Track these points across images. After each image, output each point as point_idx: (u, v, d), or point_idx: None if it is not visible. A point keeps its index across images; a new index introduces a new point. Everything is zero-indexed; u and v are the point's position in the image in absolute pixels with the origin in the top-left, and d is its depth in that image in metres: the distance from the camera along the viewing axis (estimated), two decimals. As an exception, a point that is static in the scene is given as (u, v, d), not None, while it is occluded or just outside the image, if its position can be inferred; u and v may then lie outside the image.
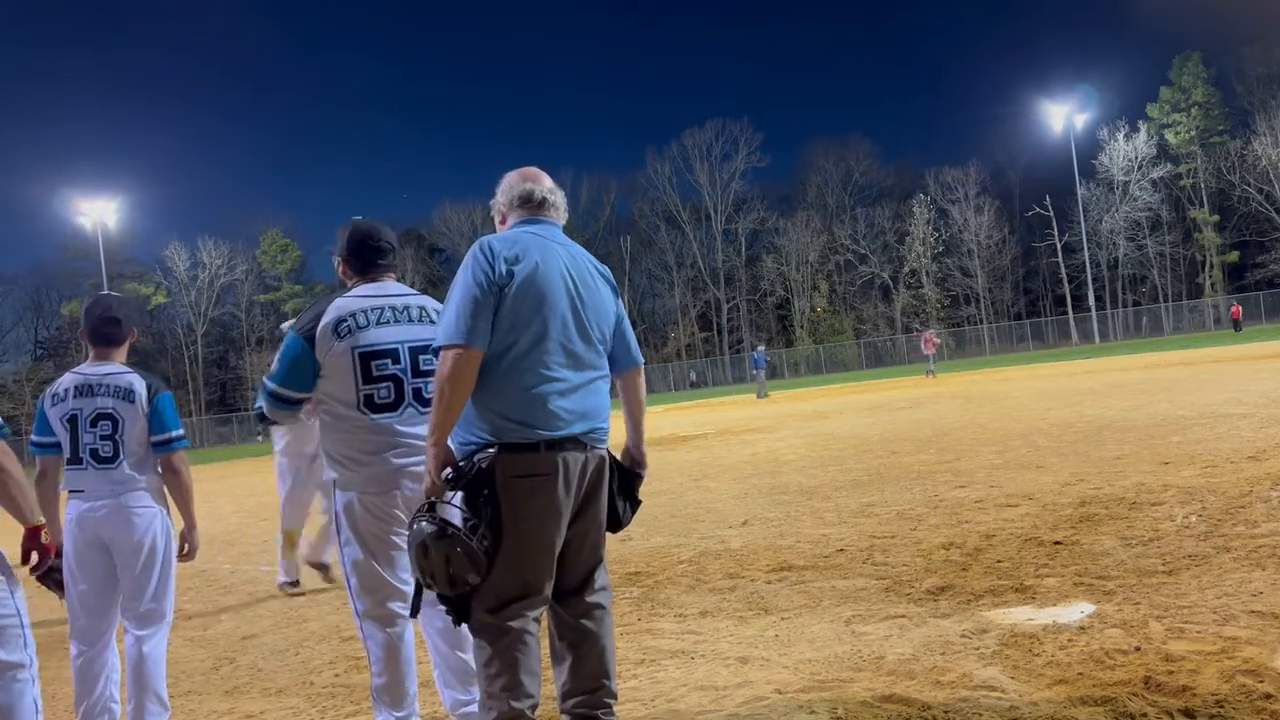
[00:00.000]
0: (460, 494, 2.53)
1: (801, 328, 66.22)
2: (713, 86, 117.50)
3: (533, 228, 2.75)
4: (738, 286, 68.39)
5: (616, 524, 2.81)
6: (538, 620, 2.62)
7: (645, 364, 3.01)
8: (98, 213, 52.69)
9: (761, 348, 36.78)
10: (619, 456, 2.88)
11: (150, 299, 64.70)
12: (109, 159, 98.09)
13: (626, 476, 2.83)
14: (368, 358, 2.97)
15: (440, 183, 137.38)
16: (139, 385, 3.51)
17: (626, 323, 2.91)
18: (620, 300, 2.90)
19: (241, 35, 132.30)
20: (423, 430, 2.96)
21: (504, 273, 2.54)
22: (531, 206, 2.81)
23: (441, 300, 3.00)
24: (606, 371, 2.78)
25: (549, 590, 2.63)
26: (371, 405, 2.97)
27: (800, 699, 3.12)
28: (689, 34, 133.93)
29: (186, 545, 3.61)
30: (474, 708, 3.01)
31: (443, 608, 2.62)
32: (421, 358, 3.06)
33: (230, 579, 7.30)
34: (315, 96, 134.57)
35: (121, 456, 3.43)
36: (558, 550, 2.61)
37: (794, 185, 71.44)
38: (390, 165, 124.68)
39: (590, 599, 2.71)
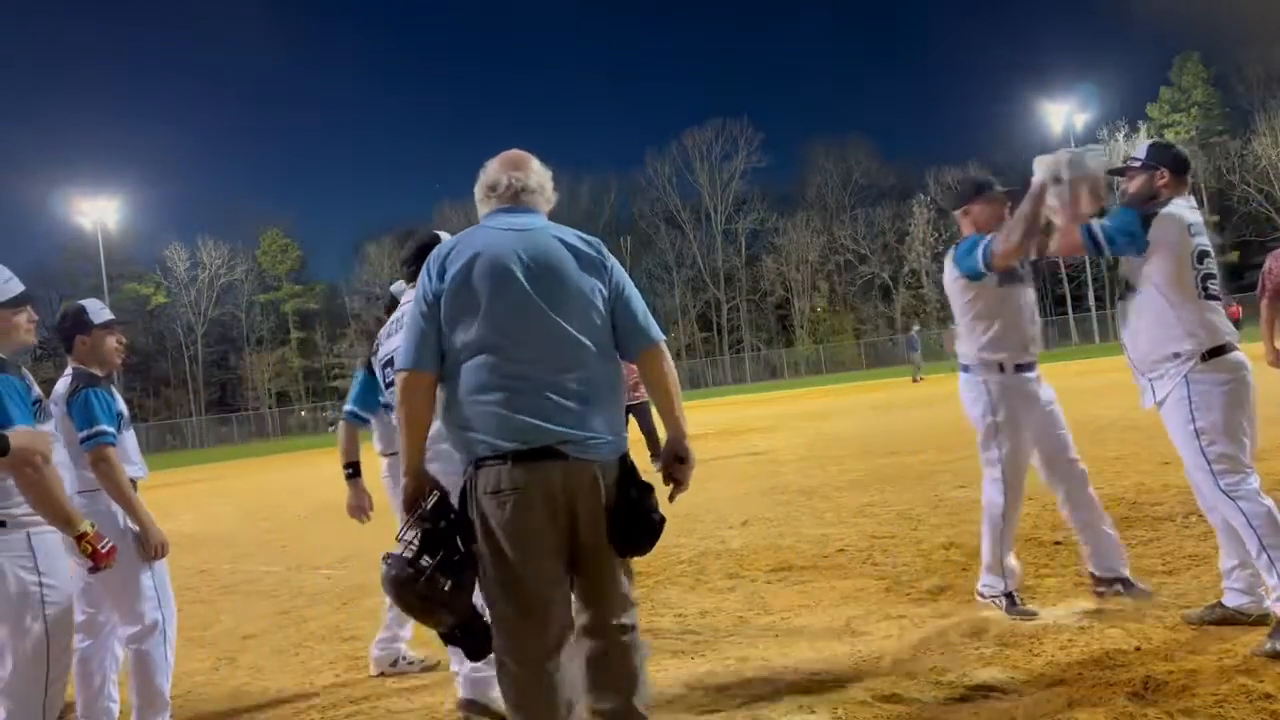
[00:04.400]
0: (416, 532, 2.35)
1: (801, 328, 66.18)
2: (713, 86, 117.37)
3: (492, 220, 2.51)
4: (738, 286, 68.29)
5: (621, 542, 2.36)
6: (558, 648, 2.34)
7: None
8: (98, 213, 52.53)
9: (916, 328, 35.58)
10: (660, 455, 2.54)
11: (149, 299, 64.66)
12: (109, 159, 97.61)
13: (635, 490, 2.40)
14: (383, 367, 3.37)
15: (440, 182, 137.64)
16: (63, 386, 3.46)
17: (632, 297, 2.49)
18: (614, 273, 2.48)
19: (242, 34, 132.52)
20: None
21: (438, 282, 2.38)
22: (496, 196, 2.56)
23: None
24: (592, 368, 2.38)
25: (558, 613, 2.36)
26: (392, 413, 3.18)
27: (800, 699, 3.12)
28: (689, 33, 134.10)
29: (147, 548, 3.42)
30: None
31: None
32: None
33: (230, 579, 7.29)
34: (316, 96, 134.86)
35: (66, 459, 3.37)
36: (554, 571, 2.34)
37: (794, 185, 71.25)
38: (390, 165, 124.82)
39: (614, 621, 2.40)
